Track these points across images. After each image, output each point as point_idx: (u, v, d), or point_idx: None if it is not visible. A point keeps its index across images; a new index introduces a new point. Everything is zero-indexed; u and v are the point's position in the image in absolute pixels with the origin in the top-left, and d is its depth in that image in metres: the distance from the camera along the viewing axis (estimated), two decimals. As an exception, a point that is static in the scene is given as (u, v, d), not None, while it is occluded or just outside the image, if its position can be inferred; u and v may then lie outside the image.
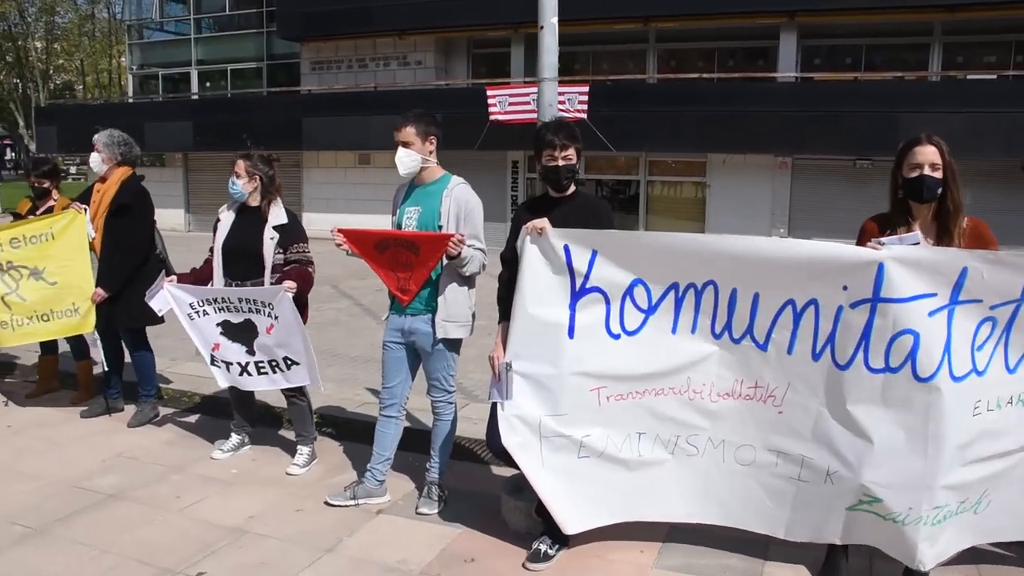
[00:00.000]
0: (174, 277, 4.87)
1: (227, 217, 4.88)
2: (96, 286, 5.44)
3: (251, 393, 5.14)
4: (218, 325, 4.80)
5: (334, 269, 16.79)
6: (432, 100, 19.01)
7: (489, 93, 18.33)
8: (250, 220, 4.80)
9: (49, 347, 6.30)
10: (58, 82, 41.93)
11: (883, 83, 16.90)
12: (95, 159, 5.50)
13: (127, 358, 5.83)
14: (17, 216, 6.06)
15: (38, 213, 5.90)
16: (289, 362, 4.74)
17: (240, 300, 4.67)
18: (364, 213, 20.22)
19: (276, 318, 4.60)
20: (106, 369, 5.72)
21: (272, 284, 4.69)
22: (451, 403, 4.43)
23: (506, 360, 3.81)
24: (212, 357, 4.90)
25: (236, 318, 4.73)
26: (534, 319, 3.78)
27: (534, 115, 18.09)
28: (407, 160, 4.20)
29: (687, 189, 18.75)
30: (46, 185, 5.99)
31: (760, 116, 16.49)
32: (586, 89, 17.48)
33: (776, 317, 3.64)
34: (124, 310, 5.50)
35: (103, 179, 5.58)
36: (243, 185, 4.76)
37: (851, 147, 16.20)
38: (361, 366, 7.24)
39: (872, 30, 17.70)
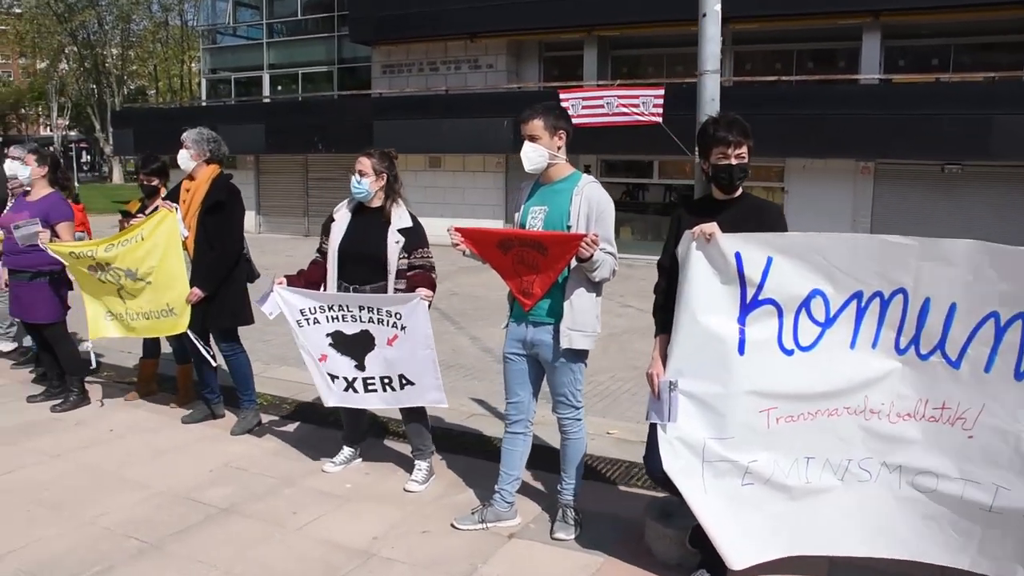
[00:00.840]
0: (283, 279, 4.57)
1: (343, 217, 4.59)
2: (191, 286, 5.20)
3: (363, 410, 4.84)
4: (328, 335, 4.48)
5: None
6: (503, 103, 18.74)
7: (562, 96, 17.95)
8: (371, 221, 4.50)
9: (151, 350, 6.10)
10: (131, 87, 42.73)
11: (973, 84, 16.12)
12: (183, 156, 5.29)
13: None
14: (127, 215, 5.88)
15: (147, 212, 5.71)
16: (404, 381, 4.42)
17: (361, 308, 4.36)
18: (434, 216, 19.88)
19: (403, 328, 4.28)
20: (216, 365, 5.46)
21: (398, 290, 4.38)
22: (580, 420, 4.07)
23: (668, 378, 3.44)
24: (320, 367, 4.60)
25: (351, 328, 4.42)
26: (700, 334, 3.40)
27: (606, 118, 17.74)
28: (533, 155, 3.86)
29: (764, 194, 18.13)
30: (155, 183, 5.83)
31: (841, 119, 15.83)
32: (661, 92, 17.03)
33: (974, 331, 3.20)
34: (219, 310, 5.28)
35: (191, 177, 5.36)
36: (370, 184, 4.46)
37: (939, 151, 15.45)
38: (453, 373, 6.92)
39: (961, 29, 16.92)
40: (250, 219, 22.92)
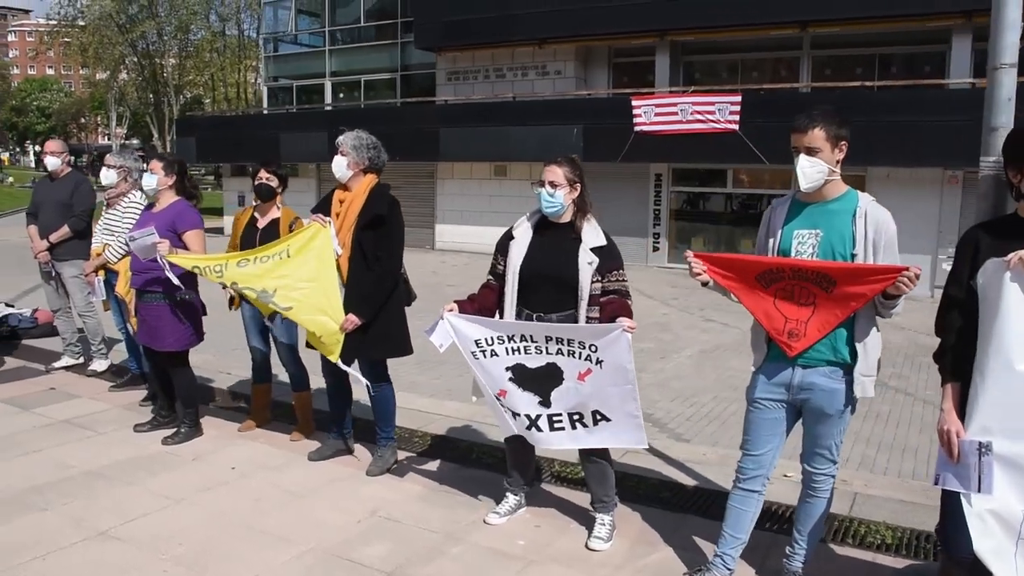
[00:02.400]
0: (453, 305, 3.88)
1: (524, 234, 3.88)
2: (346, 311, 4.49)
3: (533, 448, 4.14)
4: (508, 369, 3.78)
5: (479, 283, 15.84)
6: (572, 110, 18.07)
7: (634, 103, 17.28)
8: (558, 239, 3.80)
9: (263, 374, 5.45)
10: (188, 96, 42.71)
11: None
12: (340, 163, 4.56)
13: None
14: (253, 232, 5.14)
15: (259, 225, 5.05)
16: (599, 417, 3.70)
17: (548, 338, 3.65)
18: (499, 226, 19.19)
19: (599, 363, 3.56)
20: (372, 396, 4.74)
21: (590, 319, 3.67)
22: (834, 476, 3.36)
23: (976, 438, 2.69)
24: (498, 401, 3.90)
25: (535, 361, 3.71)
26: (1020, 386, 2.65)
27: (680, 125, 16.89)
28: (811, 171, 3.12)
29: (843, 204, 17.18)
30: (274, 184, 5.06)
31: (929, 126, 14.87)
32: (738, 99, 16.25)
33: None
34: (376, 339, 4.55)
35: (345, 187, 4.65)
36: (564, 197, 3.76)
37: (1038, 159, 14.42)
38: None
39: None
40: (313, 227, 22.51)
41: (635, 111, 16.96)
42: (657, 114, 17.04)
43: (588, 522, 4.03)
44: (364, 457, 4.93)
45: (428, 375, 6.81)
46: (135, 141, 49.97)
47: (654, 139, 16.71)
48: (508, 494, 4.19)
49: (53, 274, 6.76)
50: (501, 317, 3.87)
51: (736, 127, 16.12)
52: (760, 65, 19.09)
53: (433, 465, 4.88)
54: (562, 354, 3.65)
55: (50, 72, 77.15)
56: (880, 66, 17.79)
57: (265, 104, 27.31)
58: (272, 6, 27.03)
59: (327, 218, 4.55)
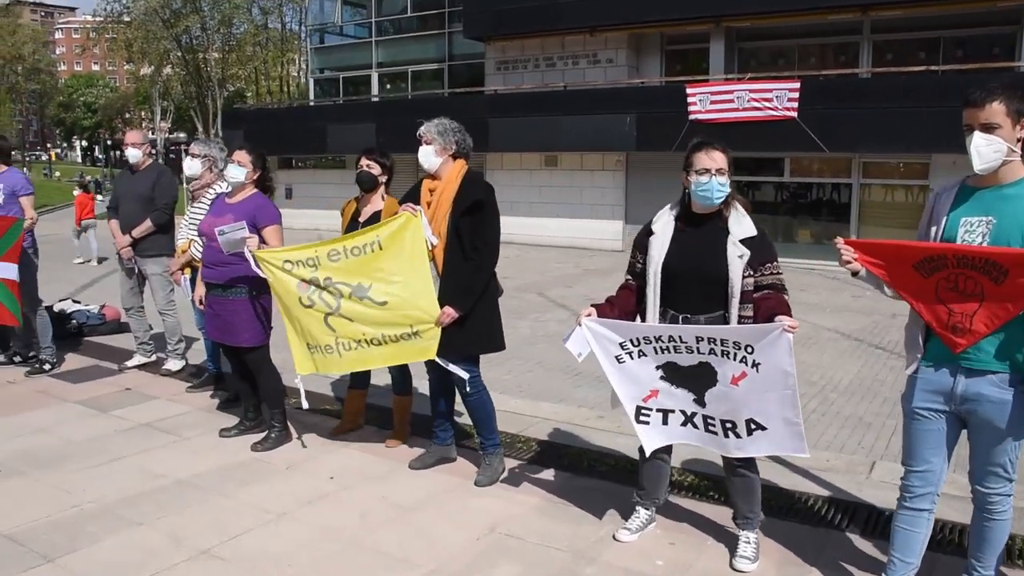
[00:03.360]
0: (591, 310, 3.50)
1: (665, 227, 3.49)
2: (440, 304, 4.17)
3: (668, 463, 3.75)
4: (659, 368, 3.41)
5: (533, 275, 15.72)
6: (625, 99, 17.58)
7: (689, 91, 16.75)
8: (704, 231, 3.40)
9: (360, 379, 5.09)
10: (230, 90, 42.73)
11: None
12: (427, 152, 4.25)
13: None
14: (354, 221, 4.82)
15: (361, 218, 4.71)
16: (753, 426, 3.31)
17: (699, 339, 3.26)
18: (549, 216, 18.96)
19: (756, 366, 3.16)
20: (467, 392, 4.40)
21: (743, 319, 3.27)
22: (1011, 495, 2.94)
23: None
24: (639, 410, 3.51)
25: (687, 359, 3.33)
26: None
27: (737, 114, 16.39)
28: (987, 151, 2.73)
29: (906, 194, 16.53)
30: (376, 172, 4.69)
31: (999, 111, 14.21)
32: (797, 86, 15.66)
33: None
34: (470, 333, 4.22)
35: (433, 176, 4.32)
36: (727, 183, 3.35)
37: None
38: None
39: None
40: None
41: (690, 99, 16.45)
42: (713, 102, 16.50)
43: (726, 538, 3.68)
44: (466, 465, 4.58)
45: (497, 371, 6.39)
46: (181, 135, 50.24)
47: (708, 127, 16.18)
48: (639, 508, 3.81)
49: (136, 271, 6.47)
50: (643, 320, 3.49)
51: (795, 114, 15.55)
52: (817, 51, 18.43)
53: (545, 474, 4.49)
54: (715, 354, 3.26)
55: (95, 68, 78.04)
56: (944, 49, 17.07)
57: (311, 96, 27.10)
58: (318, -2, 26.85)
59: (416, 207, 4.22)
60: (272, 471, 4.53)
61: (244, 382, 5.06)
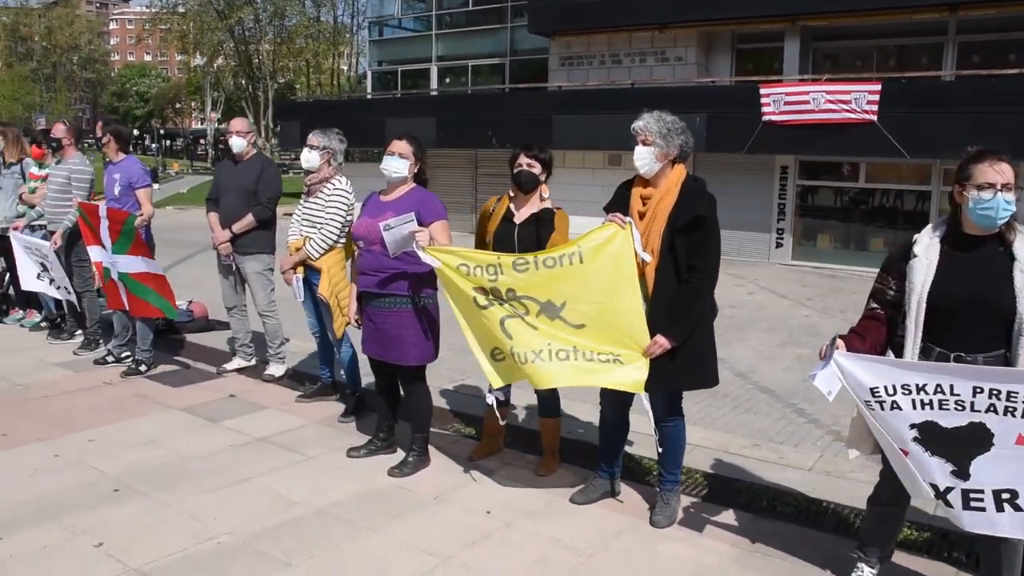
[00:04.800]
0: (841, 342, 2.91)
1: (929, 249, 2.91)
2: (652, 332, 3.56)
3: (903, 518, 3.17)
4: (913, 427, 2.80)
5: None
6: (695, 98, 16.80)
7: (763, 92, 16.00)
8: (980, 255, 2.83)
9: (549, 406, 4.46)
10: (280, 81, 42.49)
11: None
12: (645, 155, 3.58)
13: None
14: (510, 228, 4.22)
15: (517, 220, 4.16)
16: (1018, 505, 2.70)
17: (977, 390, 2.66)
18: (613, 217, 18.31)
19: (1057, 422, 2.57)
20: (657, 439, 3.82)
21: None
22: None
23: None
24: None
25: (953, 419, 2.73)
26: None
27: (812, 116, 15.53)
28: None
29: (990, 201, 15.66)
30: (536, 171, 4.13)
31: (1097, 116, 13.35)
32: (878, 88, 14.86)
33: None
34: (683, 365, 3.60)
35: (646, 183, 3.69)
36: (1013, 201, 2.76)
37: None
38: (720, 404, 5.21)
39: None
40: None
41: (763, 100, 15.70)
42: (787, 103, 15.74)
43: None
44: (632, 500, 4.01)
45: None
46: (224, 126, 50.27)
47: (781, 129, 15.47)
48: (862, 565, 3.23)
49: (233, 268, 5.96)
50: (896, 357, 2.90)
51: (874, 118, 14.76)
52: (898, 52, 17.59)
53: (725, 516, 3.90)
54: (995, 411, 2.66)
55: (147, 58, 78.44)
56: (1035, 52, 16.18)
57: (369, 89, 26.65)
58: (378, -9, 26.39)
59: (627, 218, 3.62)
60: (420, 502, 3.99)
61: (388, 400, 4.51)
